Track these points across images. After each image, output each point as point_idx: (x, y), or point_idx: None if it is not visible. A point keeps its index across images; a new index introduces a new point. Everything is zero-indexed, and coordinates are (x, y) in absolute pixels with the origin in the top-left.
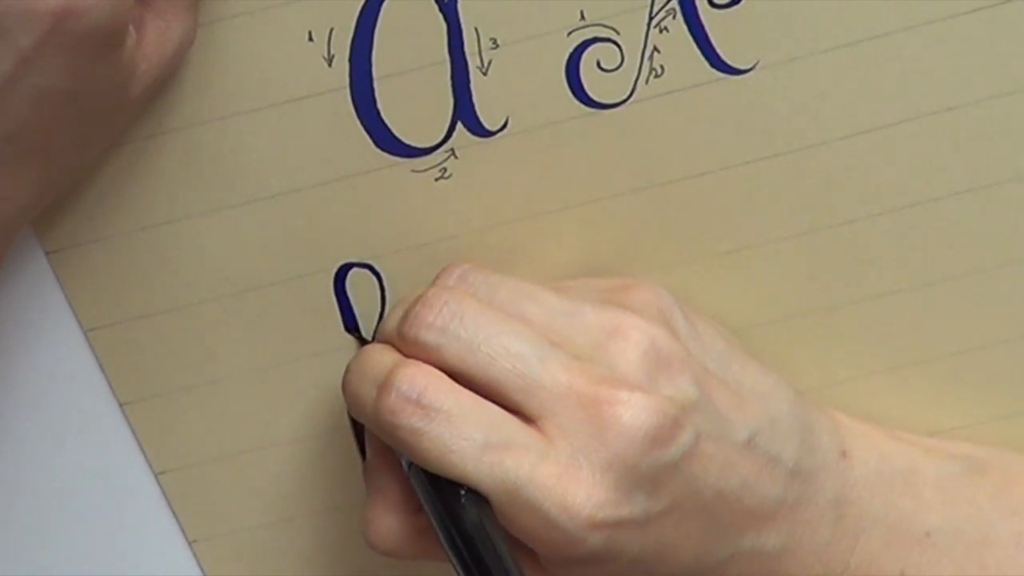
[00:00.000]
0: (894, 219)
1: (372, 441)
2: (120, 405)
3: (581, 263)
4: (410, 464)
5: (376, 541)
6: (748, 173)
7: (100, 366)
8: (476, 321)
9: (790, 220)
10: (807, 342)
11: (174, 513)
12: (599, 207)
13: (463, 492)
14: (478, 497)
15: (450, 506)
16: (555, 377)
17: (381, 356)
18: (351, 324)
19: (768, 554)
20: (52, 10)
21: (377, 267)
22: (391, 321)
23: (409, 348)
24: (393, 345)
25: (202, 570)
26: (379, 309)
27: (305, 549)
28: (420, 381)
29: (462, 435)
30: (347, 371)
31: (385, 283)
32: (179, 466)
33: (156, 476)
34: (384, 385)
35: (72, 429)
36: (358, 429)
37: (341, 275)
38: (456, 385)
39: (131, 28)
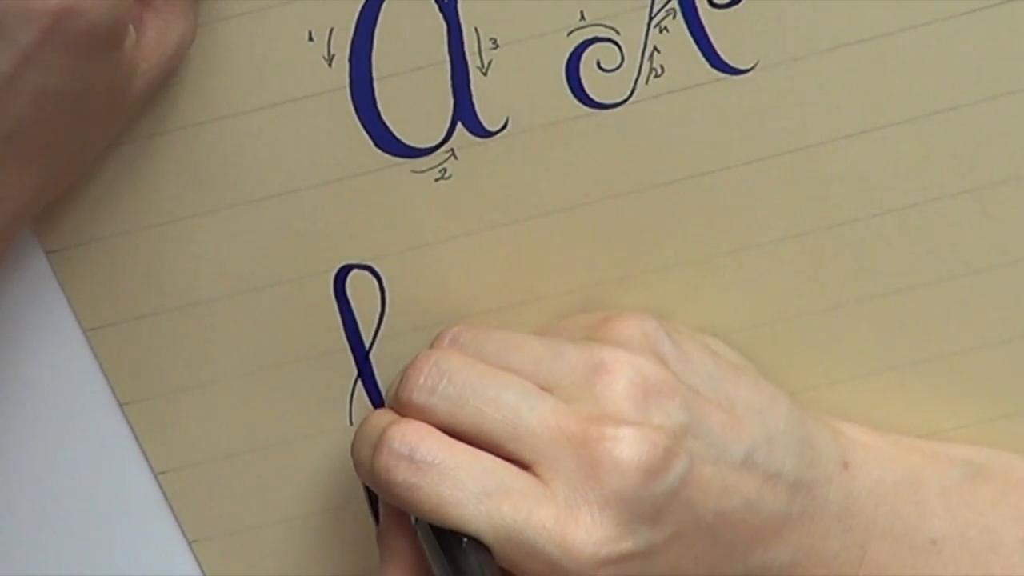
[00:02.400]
0: (894, 219)
1: (384, 505)
2: (120, 405)
3: (581, 264)
4: (416, 519)
5: None
6: (748, 173)
7: (100, 366)
8: (463, 377)
9: (790, 220)
10: (807, 342)
11: (174, 513)
12: (599, 207)
13: (464, 541)
14: (479, 545)
15: (451, 556)
16: (544, 422)
17: (379, 420)
18: (351, 328)
19: (779, 570)
20: (51, 9)
21: (377, 268)
22: (393, 388)
23: (404, 411)
24: (394, 410)
25: (202, 570)
26: (379, 311)
27: (305, 549)
28: (411, 437)
29: (457, 486)
30: (353, 438)
31: (385, 284)
32: (179, 466)
33: (156, 476)
34: (378, 445)
35: (72, 429)
36: (372, 496)
37: (341, 277)
38: (448, 438)
39: (131, 27)
